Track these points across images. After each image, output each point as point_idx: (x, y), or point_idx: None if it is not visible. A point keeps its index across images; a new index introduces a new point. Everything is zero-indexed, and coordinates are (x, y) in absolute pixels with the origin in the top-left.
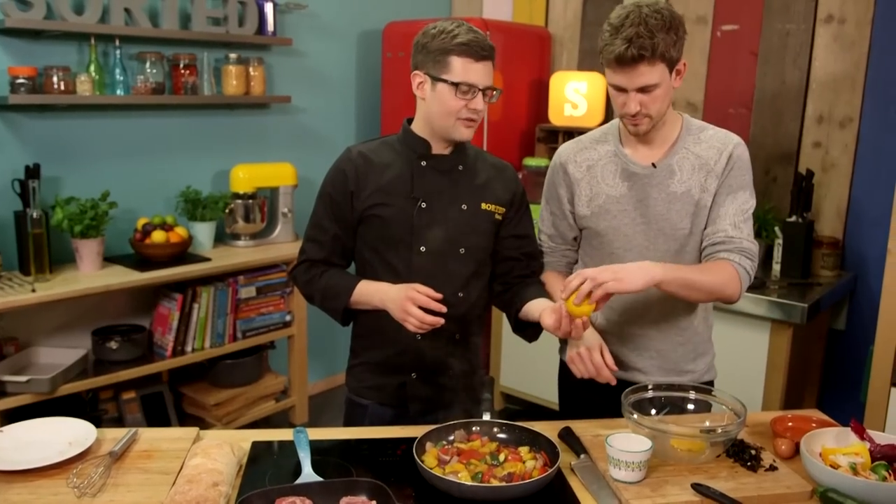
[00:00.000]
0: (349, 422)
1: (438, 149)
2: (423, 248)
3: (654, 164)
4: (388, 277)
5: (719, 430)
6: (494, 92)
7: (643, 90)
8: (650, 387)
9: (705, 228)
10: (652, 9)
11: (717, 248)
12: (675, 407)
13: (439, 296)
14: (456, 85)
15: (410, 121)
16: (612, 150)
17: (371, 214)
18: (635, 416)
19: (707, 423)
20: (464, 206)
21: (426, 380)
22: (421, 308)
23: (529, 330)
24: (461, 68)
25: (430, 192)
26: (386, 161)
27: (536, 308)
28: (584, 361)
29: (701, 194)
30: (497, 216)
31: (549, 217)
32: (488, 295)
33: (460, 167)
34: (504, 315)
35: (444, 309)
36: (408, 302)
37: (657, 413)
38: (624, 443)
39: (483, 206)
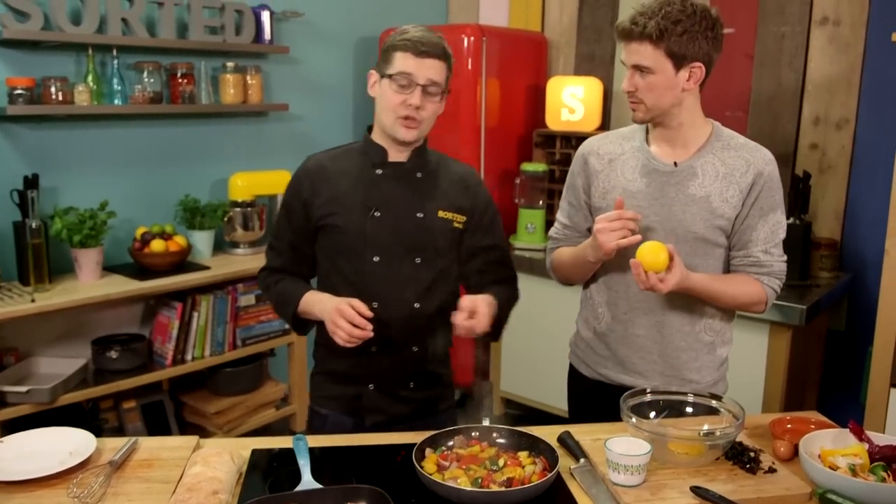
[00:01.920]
0: (311, 430)
1: (395, 156)
2: (375, 258)
3: (675, 164)
4: (343, 287)
5: (718, 434)
6: (439, 92)
7: (639, 71)
8: (649, 390)
9: (733, 248)
10: (683, 2)
11: (748, 270)
12: (673, 410)
13: (369, 314)
14: (391, 76)
15: (371, 128)
16: (638, 146)
17: (326, 224)
18: (634, 419)
19: (706, 427)
20: (419, 215)
21: (384, 392)
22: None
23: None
24: (400, 61)
25: (383, 200)
26: (343, 169)
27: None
28: (612, 225)
29: (720, 203)
30: (456, 224)
31: (566, 207)
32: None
33: (419, 174)
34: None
35: (368, 327)
36: (336, 315)
37: (656, 416)
38: (623, 446)
39: (440, 213)
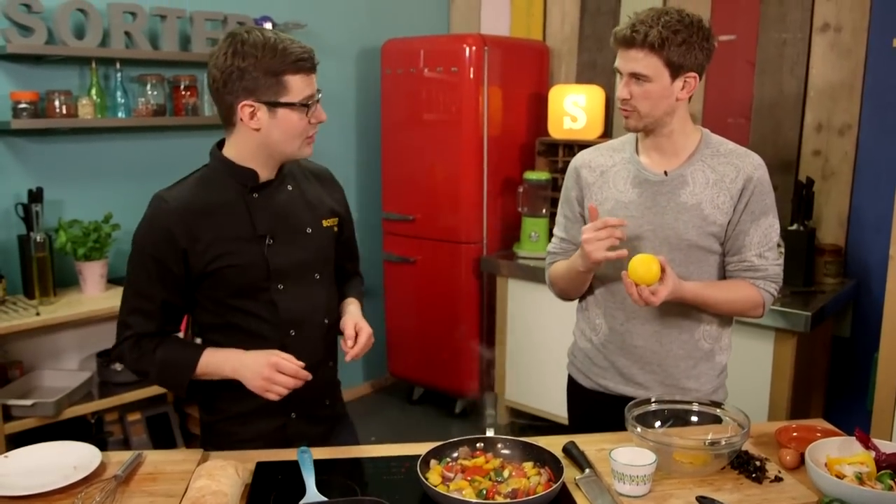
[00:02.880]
0: None
1: (265, 175)
2: (280, 287)
3: (665, 173)
4: (250, 326)
5: (723, 443)
6: (320, 94)
7: (636, 79)
8: (654, 399)
9: (727, 253)
10: (679, 13)
11: (743, 275)
12: (678, 420)
13: (302, 364)
14: (303, 105)
15: (219, 147)
16: (628, 157)
17: (216, 268)
18: (639, 429)
19: (710, 436)
20: (308, 230)
21: (304, 416)
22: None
23: None
24: (301, 86)
25: (271, 224)
26: (211, 203)
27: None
28: (598, 234)
29: (711, 210)
30: (335, 229)
31: (563, 221)
32: None
33: (289, 187)
34: (509, 331)
35: (309, 377)
36: (271, 370)
37: (661, 426)
38: (628, 456)
39: (325, 223)
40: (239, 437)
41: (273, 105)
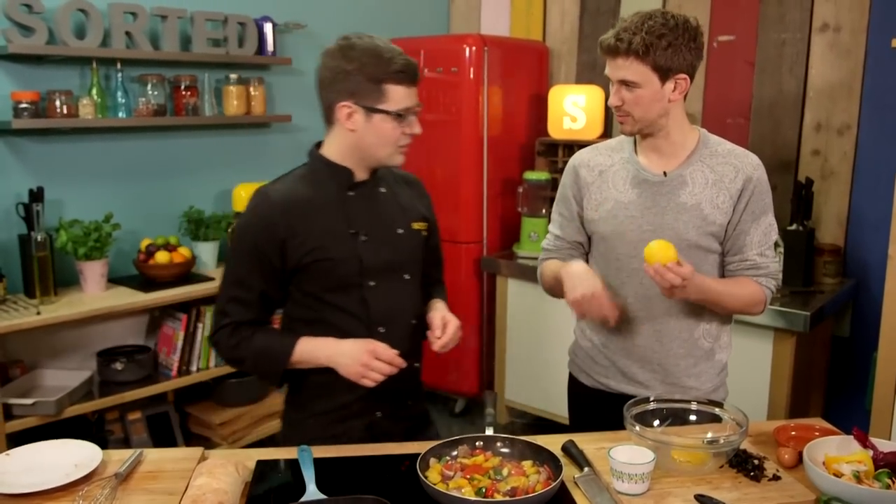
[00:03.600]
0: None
1: (361, 175)
2: (372, 283)
3: (665, 173)
4: (341, 321)
5: (721, 441)
6: (419, 108)
7: (625, 86)
8: (652, 398)
9: (728, 253)
10: (664, 15)
11: (745, 273)
12: (677, 418)
13: (396, 352)
14: (398, 115)
15: (318, 146)
16: (626, 157)
17: (312, 261)
18: (637, 427)
19: (709, 435)
20: (400, 231)
21: (392, 415)
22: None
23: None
24: (400, 96)
25: (365, 222)
26: (310, 199)
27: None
28: (588, 303)
29: (711, 210)
30: (424, 233)
31: (558, 218)
32: None
33: (382, 189)
34: (509, 330)
35: (403, 364)
36: (369, 356)
37: (660, 425)
38: (627, 455)
39: (415, 226)
40: (326, 433)
41: (370, 110)
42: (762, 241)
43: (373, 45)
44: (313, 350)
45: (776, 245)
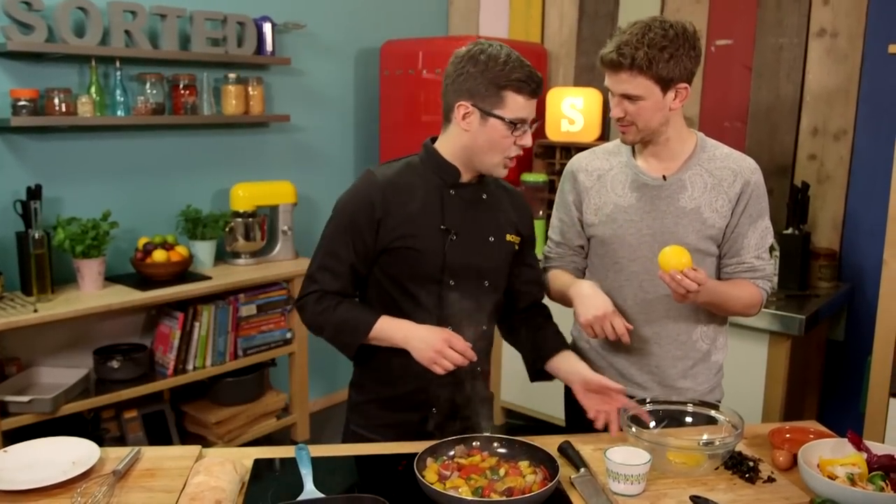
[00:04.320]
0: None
1: (466, 177)
2: (452, 282)
3: (664, 177)
4: (414, 312)
5: (717, 443)
6: (535, 123)
7: (627, 98)
8: (649, 400)
9: (725, 255)
10: (664, 25)
11: (743, 275)
12: (673, 420)
13: (470, 345)
14: (512, 123)
15: (433, 140)
16: (625, 161)
17: (399, 246)
18: (634, 429)
19: (705, 436)
20: (491, 238)
21: (446, 413)
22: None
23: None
24: (518, 105)
25: (459, 222)
26: (411, 187)
27: (566, 365)
28: (601, 323)
29: (710, 214)
30: (516, 247)
31: (557, 224)
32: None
33: (484, 196)
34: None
35: (475, 358)
36: (444, 345)
37: (656, 426)
38: (622, 456)
39: (508, 237)
40: (381, 421)
41: (486, 113)
42: (759, 245)
43: (499, 53)
44: (392, 328)
45: (772, 249)
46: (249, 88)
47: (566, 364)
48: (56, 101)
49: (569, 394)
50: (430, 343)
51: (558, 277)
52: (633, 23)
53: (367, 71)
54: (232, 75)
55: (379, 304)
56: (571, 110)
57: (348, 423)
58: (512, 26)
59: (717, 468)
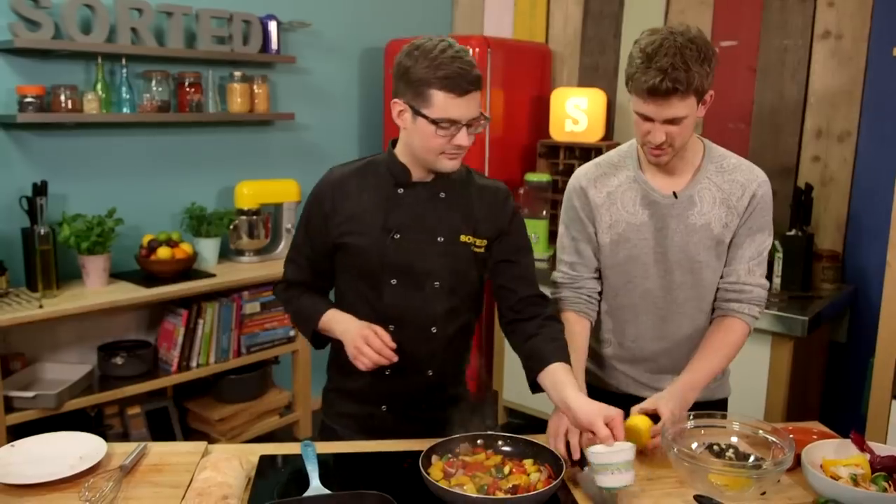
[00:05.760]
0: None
1: (419, 175)
2: (393, 281)
3: (675, 194)
4: (361, 307)
5: (766, 466)
6: (482, 122)
7: (671, 122)
8: (692, 416)
9: (724, 265)
10: (686, 38)
11: (729, 299)
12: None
13: (393, 344)
14: (436, 122)
15: (396, 142)
16: (632, 175)
17: (344, 242)
18: (676, 449)
19: (752, 458)
20: (440, 239)
21: (395, 413)
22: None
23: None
24: (442, 104)
25: (404, 222)
26: (364, 186)
27: (550, 383)
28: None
29: (721, 229)
30: (476, 248)
31: (570, 244)
32: (477, 329)
33: (442, 194)
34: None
35: (394, 358)
36: (361, 342)
37: (698, 447)
38: (605, 451)
39: (462, 238)
40: (338, 410)
41: (415, 112)
42: (753, 257)
43: (433, 47)
44: (333, 321)
45: (774, 250)
46: (254, 86)
47: (550, 381)
48: (62, 97)
49: None
50: (352, 337)
51: (571, 328)
52: (654, 42)
53: (371, 70)
54: (237, 73)
55: (339, 297)
56: (575, 110)
57: (322, 413)
58: (516, 26)
59: (763, 493)
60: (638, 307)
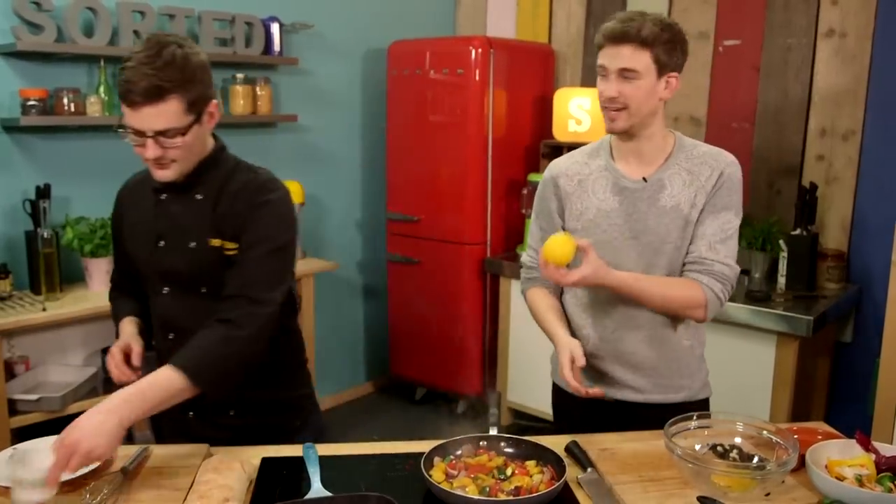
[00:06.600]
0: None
1: (175, 178)
2: (165, 290)
3: (644, 179)
4: (152, 314)
5: (770, 467)
6: (177, 136)
7: (624, 76)
8: (696, 416)
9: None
10: (658, 16)
11: (689, 269)
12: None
13: (136, 363)
14: (121, 129)
15: None
16: (604, 164)
17: (126, 251)
18: (679, 450)
19: (756, 458)
20: (192, 244)
21: (204, 419)
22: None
23: None
24: (127, 113)
25: (167, 228)
26: (140, 194)
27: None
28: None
29: (690, 210)
30: (227, 251)
31: (538, 232)
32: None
33: (198, 196)
34: (512, 332)
35: (132, 377)
36: (109, 355)
37: (701, 448)
38: (34, 458)
39: (211, 242)
40: (156, 415)
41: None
42: (714, 234)
43: (133, 53)
44: (121, 330)
45: (778, 250)
46: (257, 88)
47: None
48: (65, 100)
49: (558, 402)
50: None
51: (537, 304)
52: (629, 11)
53: (374, 71)
54: (240, 75)
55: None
56: (578, 111)
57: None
58: (519, 26)
59: (767, 495)
60: (615, 297)
